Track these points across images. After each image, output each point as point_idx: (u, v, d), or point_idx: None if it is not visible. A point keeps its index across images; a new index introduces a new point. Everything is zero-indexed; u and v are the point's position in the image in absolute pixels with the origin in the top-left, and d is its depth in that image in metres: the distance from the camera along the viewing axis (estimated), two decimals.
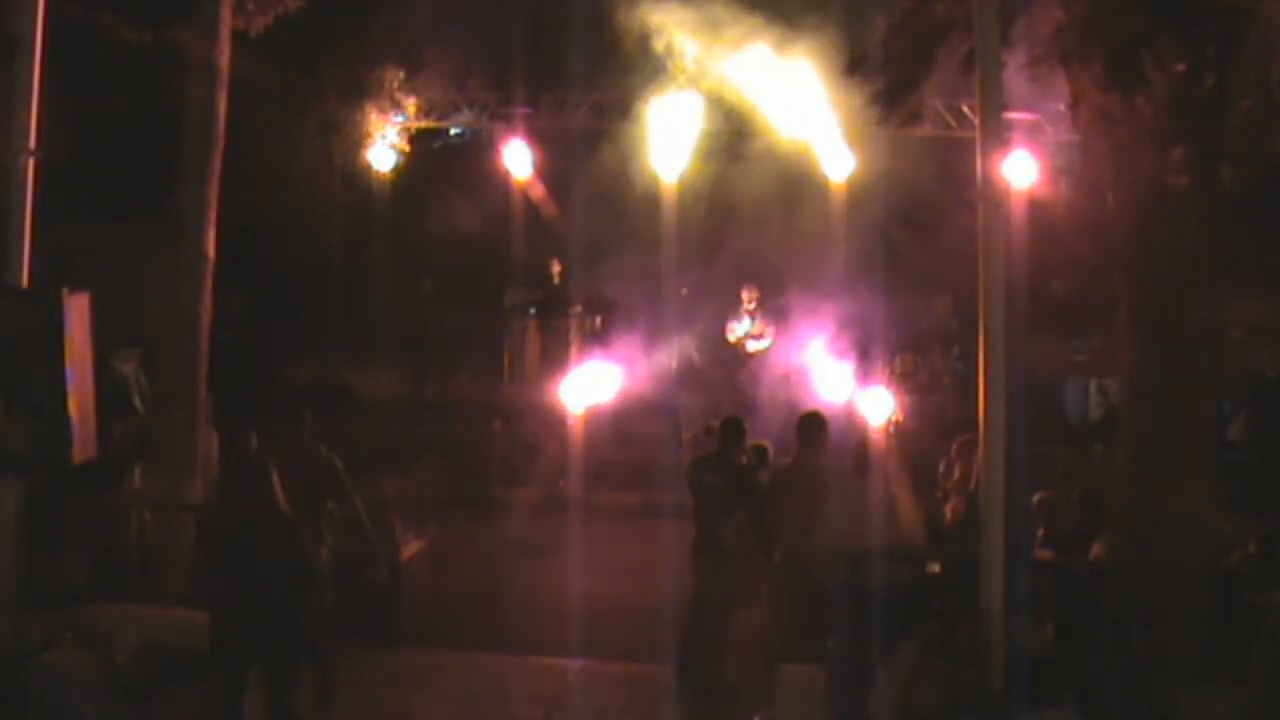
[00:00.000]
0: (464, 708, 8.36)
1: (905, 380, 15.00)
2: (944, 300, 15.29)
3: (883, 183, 14.80)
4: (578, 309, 15.98)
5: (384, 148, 16.71)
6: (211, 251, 10.05)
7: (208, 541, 7.74)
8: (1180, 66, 6.51)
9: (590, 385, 14.43)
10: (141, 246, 13.39)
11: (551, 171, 16.75)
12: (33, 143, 6.72)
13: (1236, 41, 6.67)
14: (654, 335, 15.93)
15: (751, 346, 15.30)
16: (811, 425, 8.86)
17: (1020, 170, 14.00)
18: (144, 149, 11.96)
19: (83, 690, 3.84)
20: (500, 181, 16.69)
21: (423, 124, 17.12)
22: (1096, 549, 8.14)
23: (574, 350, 15.84)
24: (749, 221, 16.81)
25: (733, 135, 16.16)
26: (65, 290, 5.85)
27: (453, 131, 18.80)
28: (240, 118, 10.53)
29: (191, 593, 9.15)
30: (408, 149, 17.01)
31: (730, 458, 9.04)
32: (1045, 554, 8.21)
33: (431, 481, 13.54)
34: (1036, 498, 8.74)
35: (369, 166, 16.80)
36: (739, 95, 15.73)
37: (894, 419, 14.27)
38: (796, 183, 15.27)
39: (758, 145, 15.98)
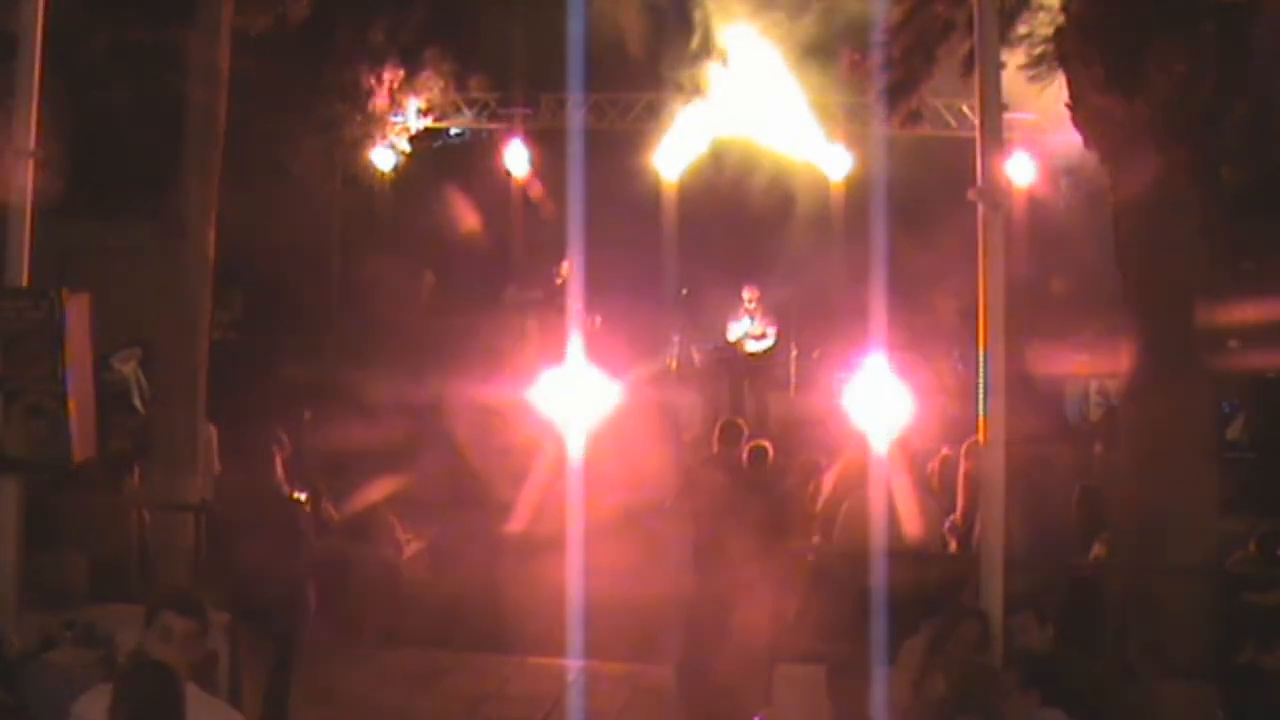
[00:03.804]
0: (464, 708, 8.36)
1: (905, 380, 14.95)
2: (944, 301, 15.27)
3: (883, 182, 14.79)
4: (578, 309, 15.96)
5: (384, 148, 16.72)
6: (211, 251, 10.04)
7: (217, 526, 8.21)
8: (1180, 66, 6.51)
9: (590, 385, 14.42)
10: (141, 246, 13.39)
11: (551, 171, 16.74)
12: (33, 143, 6.71)
13: (1236, 41, 6.68)
14: (654, 335, 15.93)
15: (751, 347, 15.27)
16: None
17: (1020, 170, 14.00)
18: (144, 149, 11.95)
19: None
20: (500, 181, 16.69)
21: (423, 124, 17.13)
22: (1096, 549, 8.13)
23: (574, 350, 15.81)
24: (749, 221, 16.85)
25: (734, 135, 16.19)
26: (65, 290, 5.85)
27: (453, 131, 18.80)
28: (240, 118, 10.52)
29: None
30: (408, 149, 17.02)
31: (731, 458, 9.05)
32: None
33: (431, 481, 13.54)
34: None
35: (369, 166, 16.81)
36: (739, 95, 15.79)
37: (893, 419, 14.24)
38: (797, 182, 15.29)
39: (759, 145, 16.01)
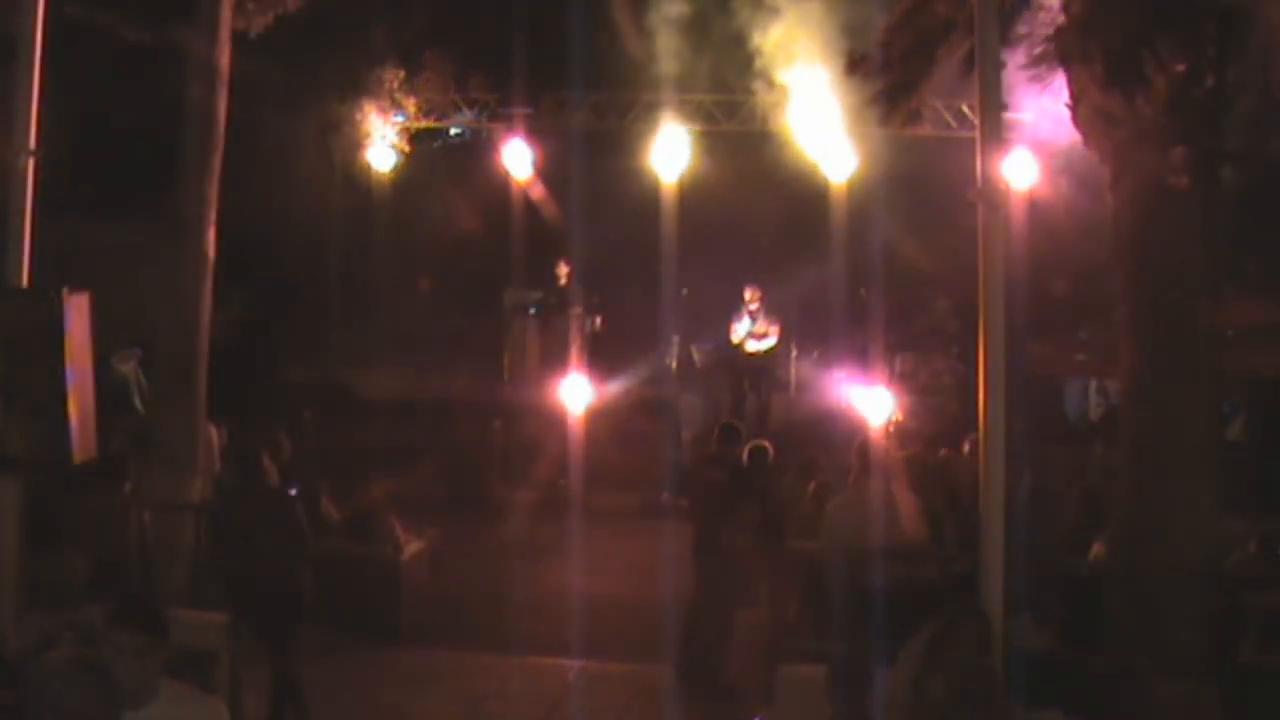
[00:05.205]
0: (464, 708, 8.37)
1: (905, 380, 14.99)
2: (944, 300, 15.28)
3: (883, 183, 14.80)
4: (578, 309, 15.98)
5: (384, 148, 16.72)
6: (211, 251, 10.05)
7: (216, 525, 8.44)
8: (1180, 66, 6.51)
9: (590, 385, 14.44)
10: (141, 246, 13.37)
11: (551, 171, 16.75)
12: (33, 143, 6.71)
13: (1236, 41, 6.68)
14: (654, 335, 15.93)
15: (753, 346, 15.27)
16: None
17: (1020, 170, 13.98)
18: (144, 149, 11.95)
19: (82, 690, 3.83)
20: (500, 181, 16.69)
21: (423, 124, 17.14)
22: (1096, 549, 8.14)
23: (574, 350, 15.83)
24: (749, 222, 16.83)
25: (733, 135, 16.18)
26: (65, 290, 5.84)
27: (453, 131, 18.80)
28: (240, 118, 10.52)
29: (191, 592, 9.18)
30: (408, 149, 17.02)
31: (731, 457, 9.05)
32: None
33: (431, 481, 13.56)
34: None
35: (369, 166, 16.82)
36: (740, 95, 15.79)
37: (894, 419, 14.27)
38: (797, 182, 15.28)
39: (758, 145, 16.00)
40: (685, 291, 16.58)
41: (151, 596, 4.81)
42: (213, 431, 10.54)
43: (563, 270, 16.16)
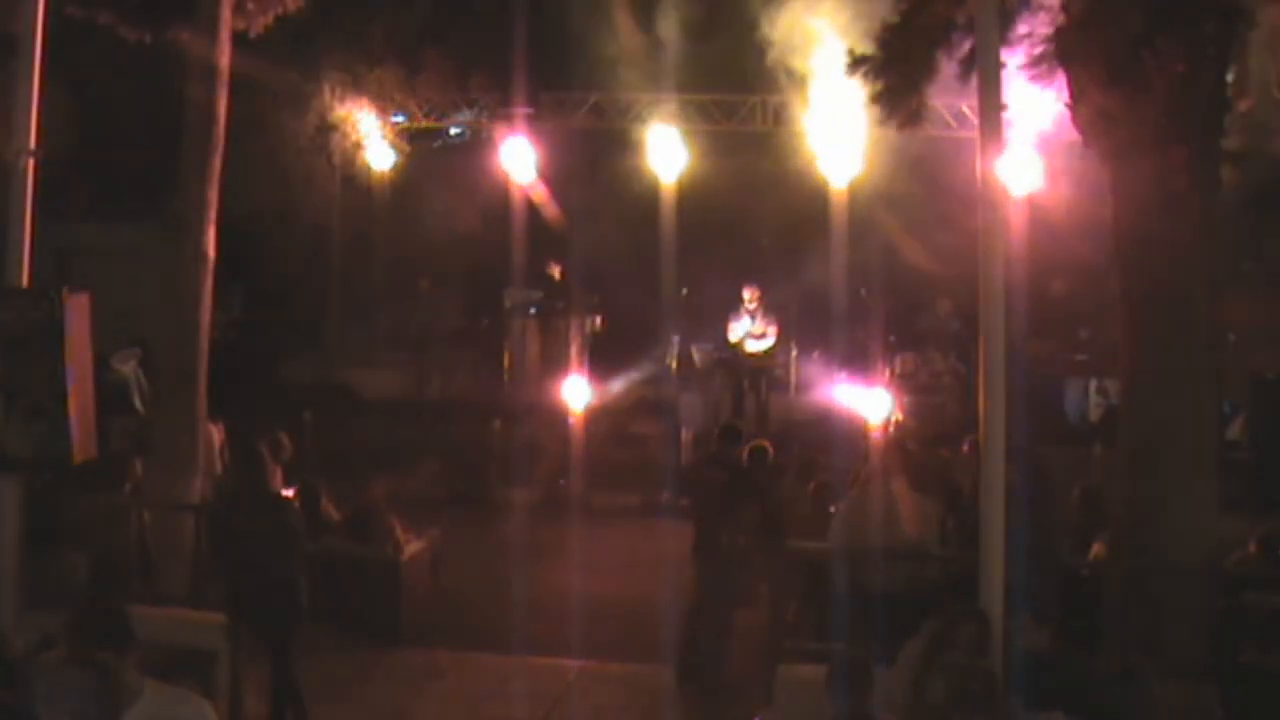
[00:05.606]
0: (464, 708, 8.36)
1: (906, 380, 14.99)
2: (945, 301, 15.29)
3: (883, 183, 14.80)
4: (578, 309, 15.98)
5: (383, 147, 16.74)
6: (211, 251, 10.04)
7: (215, 527, 8.42)
8: (1180, 66, 6.51)
9: (590, 385, 14.44)
10: (141, 246, 13.39)
11: (551, 171, 16.75)
12: (33, 143, 6.71)
13: (1236, 41, 6.69)
14: (654, 335, 15.93)
15: (752, 346, 15.27)
16: None
17: (1021, 170, 13.97)
18: (144, 149, 11.96)
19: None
20: (500, 181, 16.69)
21: (423, 124, 17.15)
22: (1096, 549, 8.14)
23: (574, 350, 15.84)
24: (749, 222, 16.82)
25: (733, 135, 16.20)
26: (65, 290, 5.84)
27: (453, 131, 18.81)
28: (241, 118, 10.52)
29: (191, 592, 9.18)
30: (408, 149, 17.03)
31: (732, 457, 9.05)
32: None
33: (431, 481, 13.56)
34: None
35: (369, 166, 16.83)
36: (740, 95, 15.81)
37: (894, 419, 14.28)
38: (797, 182, 15.28)
39: (758, 145, 16.02)
40: (685, 291, 16.58)
41: (103, 607, 4.65)
42: (213, 431, 10.54)
43: (555, 271, 16.17)
